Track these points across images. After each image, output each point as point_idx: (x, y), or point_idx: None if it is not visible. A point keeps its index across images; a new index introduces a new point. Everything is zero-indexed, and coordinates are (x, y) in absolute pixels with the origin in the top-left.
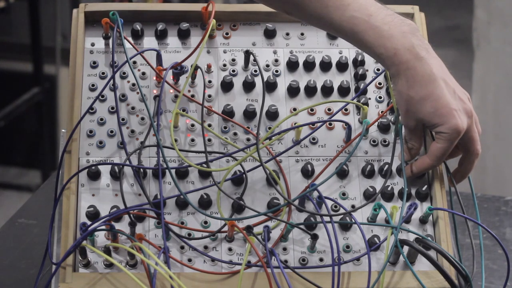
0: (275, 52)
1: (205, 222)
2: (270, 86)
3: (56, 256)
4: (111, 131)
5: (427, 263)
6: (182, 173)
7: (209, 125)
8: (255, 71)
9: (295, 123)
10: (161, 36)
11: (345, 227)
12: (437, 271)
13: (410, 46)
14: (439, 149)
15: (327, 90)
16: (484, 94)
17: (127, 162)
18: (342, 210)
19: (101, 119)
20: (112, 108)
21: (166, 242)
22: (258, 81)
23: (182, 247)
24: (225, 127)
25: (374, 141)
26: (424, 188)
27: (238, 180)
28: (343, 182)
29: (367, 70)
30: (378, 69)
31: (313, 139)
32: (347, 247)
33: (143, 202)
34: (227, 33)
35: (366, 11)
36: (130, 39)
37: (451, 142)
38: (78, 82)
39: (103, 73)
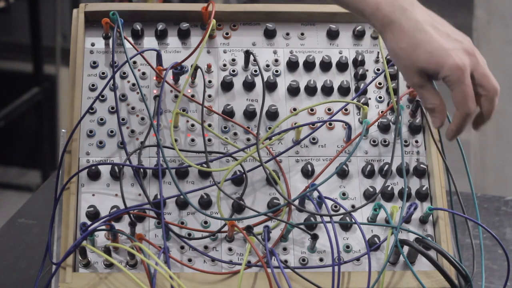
0: (275, 52)
1: (205, 222)
2: (270, 86)
3: (56, 256)
4: (111, 131)
5: (427, 263)
6: (182, 173)
7: (209, 125)
8: (255, 71)
9: (295, 123)
10: (161, 36)
11: (345, 227)
12: (437, 271)
13: None
14: (456, 95)
15: (327, 90)
16: None
17: (127, 162)
18: (342, 210)
19: (101, 119)
20: (112, 108)
21: (166, 242)
22: (258, 81)
23: (182, 247)
24: (225, 127)
25: (374, 141)
26: (424, 188)
27: (238, 180)
28: (343, 182)
29: (367, 70)
30: (378, 69)
31: (313, 139)
32: (347, 247)
33: (143, 202)
34: (227, 33)
35: None
36: (130, 39)
37: (461, 82)
38: (78, 82)
39: (103, 73)
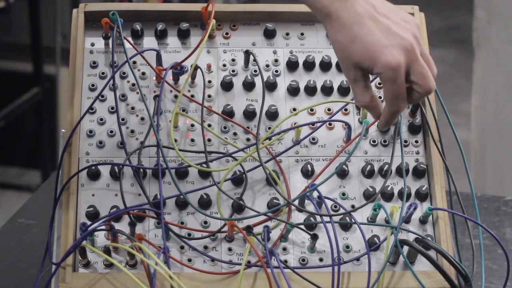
0: (275, 52)
1: (205, 222)
2: (270, 86)
3: (56, 256)
4: (111, 131)
5: (427, 263)
6: (182, 173)
7: (209, 125)
8: (255, 71)
9: (295, 123)
10: (161, 36)
11: (345, 227)
12: (437, 271)
13: None
14: (386, 92)
15: (327, 90)
16: (484, 94)
17: (127, 162)
18: (342, 210)
19: (101, 119)
20: (112, 108)
21: (166, 242)
22: (258, 81)
23: (182, 247)
24: (225, 127)
25: (374, 141)
26: (424, 188)
27: (238, 180)
28: (343, 182)
29: None
30: None
31: (313, 139)
32: (347, 247)
33: (143, 202)
34: (227, 33)
35: None
36: (130, 39)
37: (392, 81)
38: (78, 82)
39: (103, 73)
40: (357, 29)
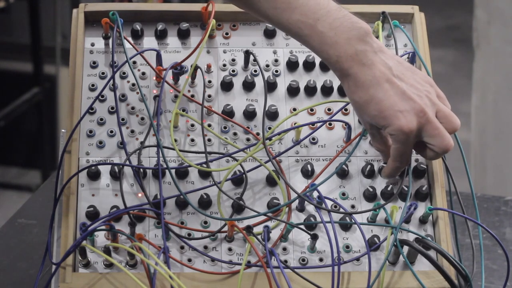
0: (275, 52)
1: (205, 222)
2: (270, 86)
3: (56, 256)
4: (111, 131)
5: (427, 263)
6: (182, 173)
7: (209, 125)
8: (255, 71)
9: (295, 123)
10: (161, 36)
11: (345, 227)
12: (437, 271)
13: (353, 53)
14: (394, 150)
15: (327, 90)
16: (484, 94)
17: (127, 162)
18: (348, 210)
19: (101, 119)
20: (112, 108)
21: (166, 242)
22: (258, 81)
23: (182, 247)
24: (225, 127)
25: None
26: (424, 188)
27: (238, 180)
28: (343, 182)
29: None
30: None
31: (313, 139)
32: (347, 247)
33: (143, 202)
34: (227, 33)
35: (313, 15)
36: (130, 39)
37: (402, 143)
38: (78, 82)
39: (103, 73)
40: (374, 91)
